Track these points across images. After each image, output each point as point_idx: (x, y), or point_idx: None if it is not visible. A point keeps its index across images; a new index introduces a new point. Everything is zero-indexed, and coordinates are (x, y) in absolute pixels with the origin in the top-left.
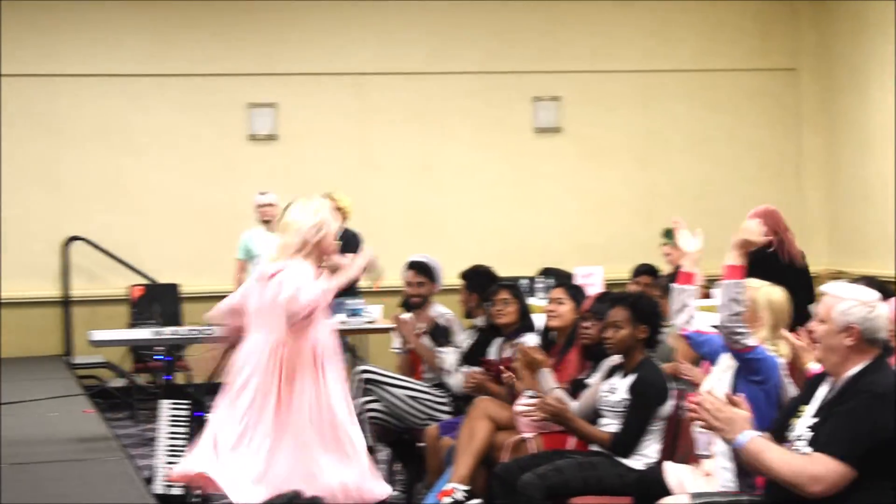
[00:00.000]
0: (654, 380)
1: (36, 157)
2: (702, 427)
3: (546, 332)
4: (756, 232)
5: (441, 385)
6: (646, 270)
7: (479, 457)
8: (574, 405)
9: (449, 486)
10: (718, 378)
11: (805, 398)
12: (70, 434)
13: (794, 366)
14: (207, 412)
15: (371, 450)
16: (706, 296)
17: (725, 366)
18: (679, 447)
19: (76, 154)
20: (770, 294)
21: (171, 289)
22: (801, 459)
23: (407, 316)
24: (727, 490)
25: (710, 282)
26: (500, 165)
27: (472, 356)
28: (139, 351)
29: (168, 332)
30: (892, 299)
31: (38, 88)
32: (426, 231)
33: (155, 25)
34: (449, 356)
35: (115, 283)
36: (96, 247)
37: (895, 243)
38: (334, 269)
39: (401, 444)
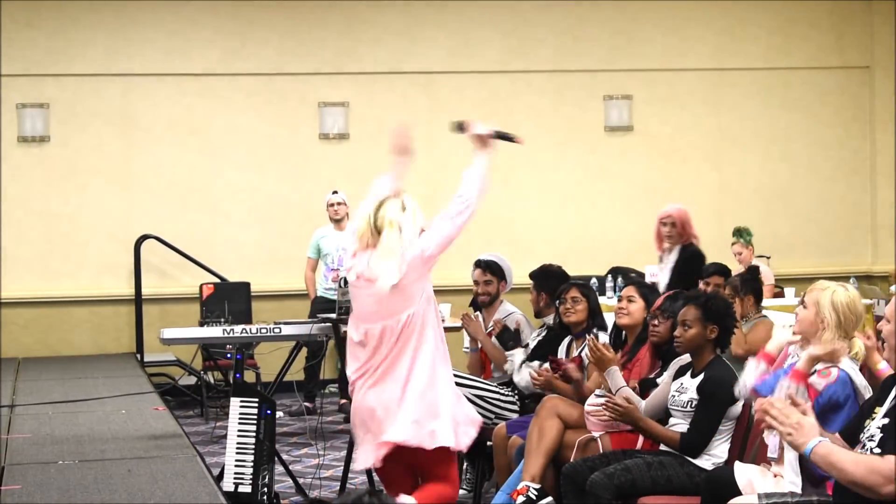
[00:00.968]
0: (724, 379)
1: (110, 155)
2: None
3: (617, 331)
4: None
5: (509, 384)
6: (716, 270)
7: (549, 455)
8: (642, 404)
9: (522, 485)
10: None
11: (880, 400)
12: (140, 431)
13: (865, 366)
14: (276, 410)
15: None
16: (778, 295)
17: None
18: (749, 447)
19: (149, 153)
20: (835, 295)
21: (242, 287)
22: (872, 460)
23: (475, 315)
24: (796, 492)
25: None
26: (570, 164)
27: (541, 354)
28: (209, 349)
29: (238, 330)
30: None
31: (113, 87)
32: (496, 230)
33: (227, 25)
34: (517, 356)
35: (186, 281)
36: (168, 245)
37: None
38: None
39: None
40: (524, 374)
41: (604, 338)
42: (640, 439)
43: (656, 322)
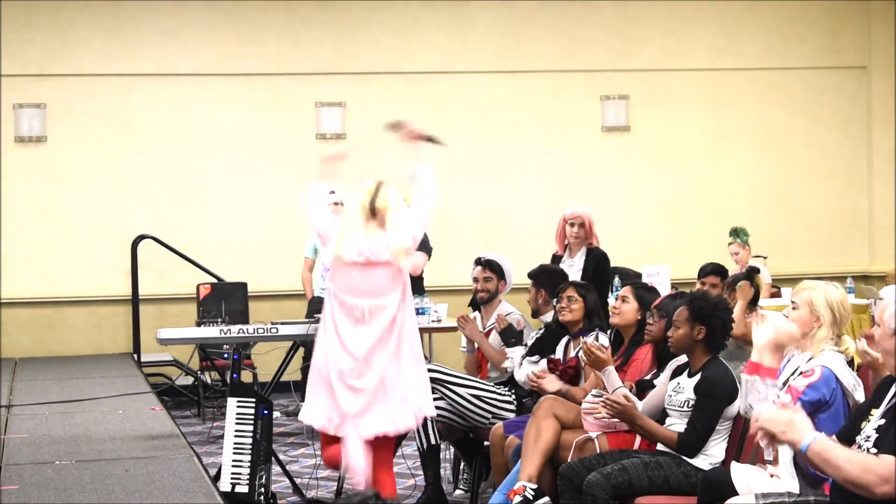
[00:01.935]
0: (721, 380)
1: (106, 155)
2: (765, 442)
3: (618, 332)
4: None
5: (506, 384)
6: (712, 270)
7: (545, 455)
8: (640, 405)
9: (519, 485)
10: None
11: (876, 401)
12: (137, 431)
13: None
14: (273, 410)
15: (437, 448)
16: (775, 295)
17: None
18: (746, 448)
19: (146, 153)
20: (827, 294)
21: (239, 287)
22: (868, 459)
23: (473, 314)
24: (793, 491)
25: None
26: (568, 164)
27: (539, 353)
28: (206, 349)
29: (235, 330)
30: None
31: (110, 88)
32: (494, 230)
33: (224, 25)
34: (517, 353)
35: (183, 281)
36: (165, 245)
37: None
38: None
39: (466, 443)
40: (525, 369)
41: (603, 339)
42: (638, 439)
43: (650, 322)
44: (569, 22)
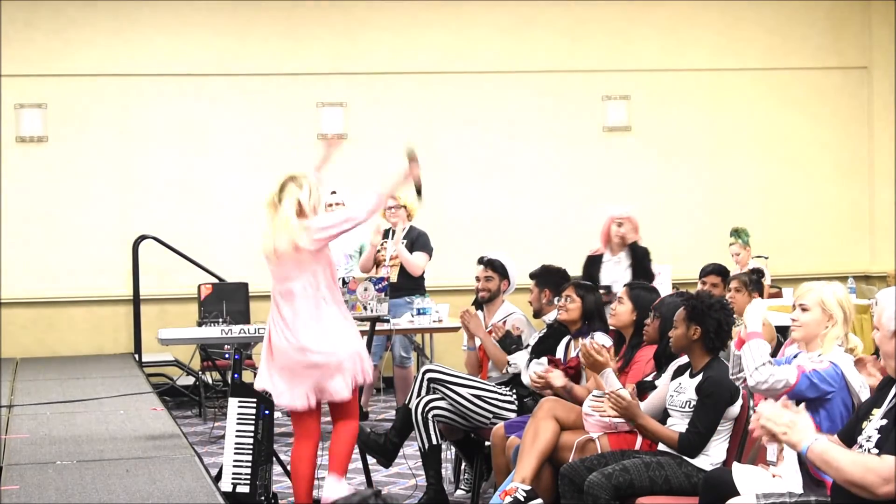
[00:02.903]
0: (723, 380)
1: (108, 156)
2: (766, 439)
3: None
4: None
5: (507, 384)
6: (714, 270)
7: (542, 457)
8: (641, 406)
9: (511, 486)
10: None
11: (877, 401)
12: (138, 432)
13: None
14: (274, 410)
15: (438, 448)
16: (776, 295)
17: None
18: (747, 448)
19: (147, 153)
20: (836, 293)
21: (240, 287)
22: (869, 460)
23: (475, 313)
24: (794, 492)
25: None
26: (569, 164)
27: (541, 351)
28: (207, 349)
29: (236, 330)
30: None
31: (111, 88)
32: (495, 230)
33: (225, 25)
34: (520, 358)
35: (185, 281)
36: (166, 245)
37: None
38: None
39: (467, 443)
40: (533, 369)
41: (604, 339)
42: (639, 440)
43: (647, 322)
44: (570, 22)
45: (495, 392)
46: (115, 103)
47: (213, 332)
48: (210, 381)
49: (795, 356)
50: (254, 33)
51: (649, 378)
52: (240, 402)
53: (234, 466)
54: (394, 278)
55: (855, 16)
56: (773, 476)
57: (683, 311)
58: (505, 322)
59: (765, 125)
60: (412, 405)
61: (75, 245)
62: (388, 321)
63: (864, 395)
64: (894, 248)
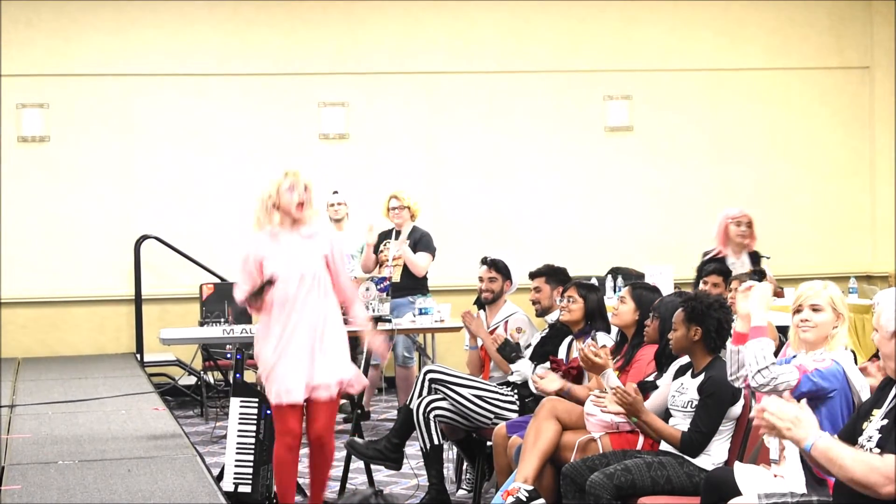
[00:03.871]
0: (724, 380)
1: (109, 155)
2: (769, 433)
3: (622, 334)
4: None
5: (508, 384)
6: (715, 269)
7: (544, 457)
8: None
9: (513, 486)
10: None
11: (878, 402)
12: (140, 431)
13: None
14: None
15: (439, 448)
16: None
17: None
18: (749, 448)
19: (149, 153)
20: (838, 290)
21: None
22: (873, 459)
23: (477, 314)
24: (796, 491)
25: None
26: (570, 165)
27: (544, 351)
28: (209, 349)
29: (238, 330)
30: None
31: (112, 88)
32: (497, 230)
33: (227, 25)
34: (523, 366)
35: (186, 281)
36: (168, 245)
37: None
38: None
39: (469, 444)
40: (539, 372)
41: (605, 340)
42: (640, 439)
43: (647, 322)
44: (571, 22)
45: (497, 392)
46: (117, 103)
47: (214, 331)
48: (212, 381)
49: (795, 356)
50: (255, 33)
51: (650, 378)
52: (242, 401)
53: (236, 466)
54: (396, 278)
55: (856, 15)
56: (775, 476)
57: (682, 312)
58: (507, 323)
59: (766, 125)
60: (413, 405)
61: (77, 245)
62: (389, 321)
63: (865, 395)
64: (895, 247)
